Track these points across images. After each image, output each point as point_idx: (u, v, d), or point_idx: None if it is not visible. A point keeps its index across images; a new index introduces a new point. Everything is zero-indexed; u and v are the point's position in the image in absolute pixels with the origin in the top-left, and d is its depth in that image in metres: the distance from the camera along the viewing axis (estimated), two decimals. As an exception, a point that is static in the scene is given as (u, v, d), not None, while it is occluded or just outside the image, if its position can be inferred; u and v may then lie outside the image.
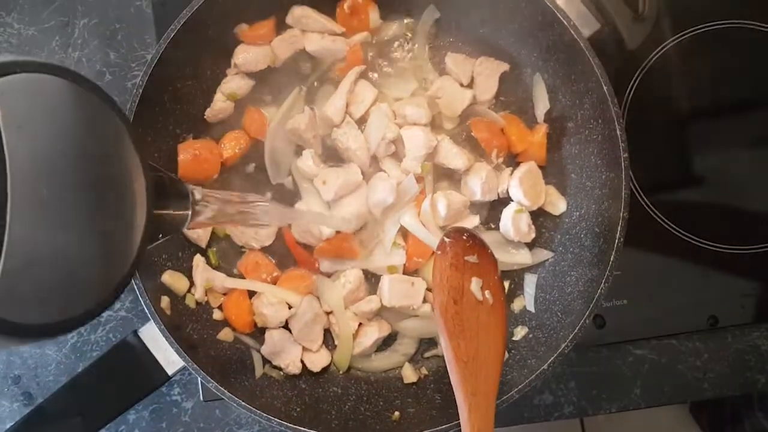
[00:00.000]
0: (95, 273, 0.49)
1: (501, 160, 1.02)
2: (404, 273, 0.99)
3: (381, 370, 1.01)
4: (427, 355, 1.02)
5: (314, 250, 1.01)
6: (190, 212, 0.64)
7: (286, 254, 1.03)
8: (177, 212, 0.63)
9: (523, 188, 0.99)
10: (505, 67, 1.02)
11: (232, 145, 1.02)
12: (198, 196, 0.66)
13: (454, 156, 0.99)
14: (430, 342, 1.03)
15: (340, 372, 1.01)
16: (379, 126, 0.99)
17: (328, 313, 1.00)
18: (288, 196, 1.03)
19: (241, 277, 1.01)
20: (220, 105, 1.02)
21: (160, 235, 0.63)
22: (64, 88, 0.47)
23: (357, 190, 1.00)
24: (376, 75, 1.05)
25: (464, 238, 0.84)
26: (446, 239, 0.84)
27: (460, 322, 0.78)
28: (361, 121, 1.02)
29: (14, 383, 1.10)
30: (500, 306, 0.82)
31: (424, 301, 0.98)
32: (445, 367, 0.99)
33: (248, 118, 1.03)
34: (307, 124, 0.98)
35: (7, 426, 1.10)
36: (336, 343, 1.00)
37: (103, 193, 0.49)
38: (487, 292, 0.81)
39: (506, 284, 1.01)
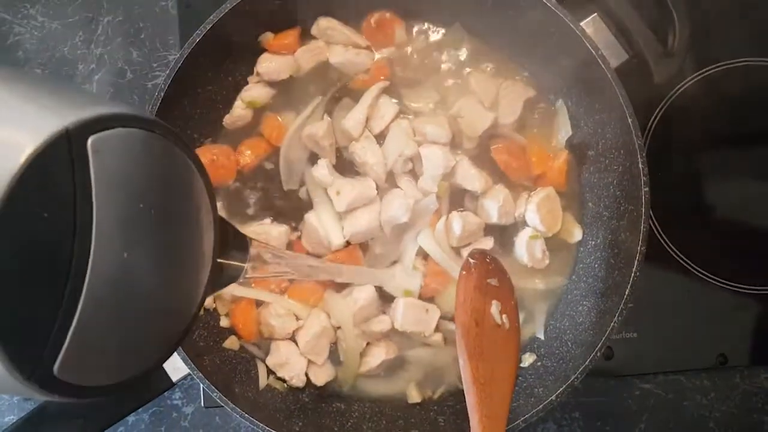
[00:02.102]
0: (159, 332, 0.48)
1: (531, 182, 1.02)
2: (420, 298, 0.98)
3: (384, 394, 1.00)
4: (436, 396, 1.01)
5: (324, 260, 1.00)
6: (246, 265, 0.62)
7: (297, 265, 1.02)
8: (235, 264, 0.61)
9: (540, 214, 0.98)
10: (530, 93, 1.01)
11: (249, 153, 1.02)
12: (255, 250, 0.64)
13: (471, 177, 0.98)
14: (438, 378, 1.01)
15: (344, 389, 1.00)
16: (398, 142, 0.98)
17: (336, 328, 0.99)
18: (300, 205, 1.02)
19: (250, 285, 1.00)
20: (239, 112, 1.02)
21: (218, 286, 0.61)
22: (155, 144, 0.45)
23: (370, 205, 0.99)
24: (398, 88, 1.04)
25: (487, 260, 0.84)
26: (471, 260, 0.83)
27: (480, 343, 0.78)
28: (380, 137, 1.01)
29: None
30: (515, 331, 0.82)
31: (437, 330, 0.97)
32: (449, 390, 1.00)
33: (267, 125, 1.02)
34: (325, 131, 0.98)
35: (6, 419, 1.10)
36: (342, 359, 1.00)
37: (177, 251, 0.47)
38: (504, 317, 0.81)
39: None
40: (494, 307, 0.80)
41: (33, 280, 0.36)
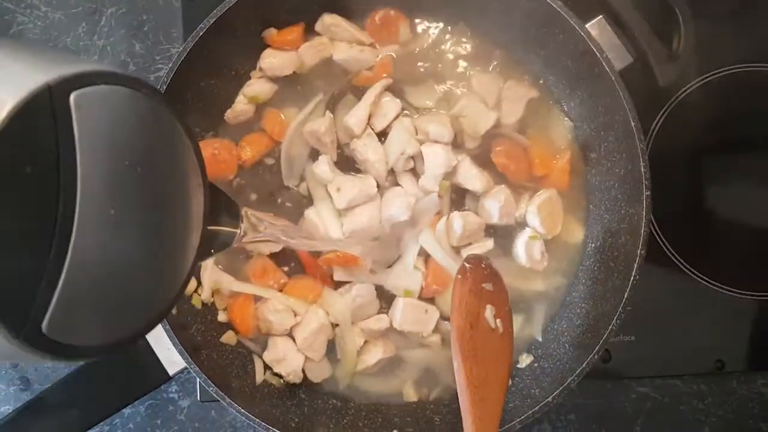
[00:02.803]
0: (149, 293, 0.47)
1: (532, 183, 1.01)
2: (420, 298, 0.98)
3: (381, 392, 1.00)
4: (431, 397, 1.00)
5: (321, 258, 1.00)
6: (239, 231, 0.63)
7: (295, 261, 1.01)
8: (227, 230, 0.62)
9: (541, 216, 0.98)
10: (533, 93, 1.01)
11: (251, 148, 1.01)
12: (249, 217, 0.65)
13: (472, 177, 0.98)
14: (434, 378, 1.01)
15: (341, 386, 1.00)
16: (400, 140, 0.98)
17: (335, 325, 0.99)
18: (300, 201, 1.02)
19: (249, 281, 1.00)
20: (241, 107, 1.01)
21: (211, 251, 0.61)
22: (140, 103, 0.45)
23: (370, 203, 0.99)
24: (401, 86, 1.03)
25: (483, 265, 0.84)
26: (466, 264, 0.84)
27: (473, 346, 0.78)
28: (382, 134, 1.01)
29: (12, 366, 1.10)
30: (509, 336, 0.82)
31: (436, 331, 0.97)
32: (446, 390, 1.00)
33: (269, 120, 1.02)
34: (327, 127, 0.98)
35: (1, 409, 1.10)
36: (339, 356, 1.00)
37: (165, 211, 0.47)
38: (498, 321, 0.81)
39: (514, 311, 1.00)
40: (488, 311, 0.81)
41: (19, 236, 0.36)
